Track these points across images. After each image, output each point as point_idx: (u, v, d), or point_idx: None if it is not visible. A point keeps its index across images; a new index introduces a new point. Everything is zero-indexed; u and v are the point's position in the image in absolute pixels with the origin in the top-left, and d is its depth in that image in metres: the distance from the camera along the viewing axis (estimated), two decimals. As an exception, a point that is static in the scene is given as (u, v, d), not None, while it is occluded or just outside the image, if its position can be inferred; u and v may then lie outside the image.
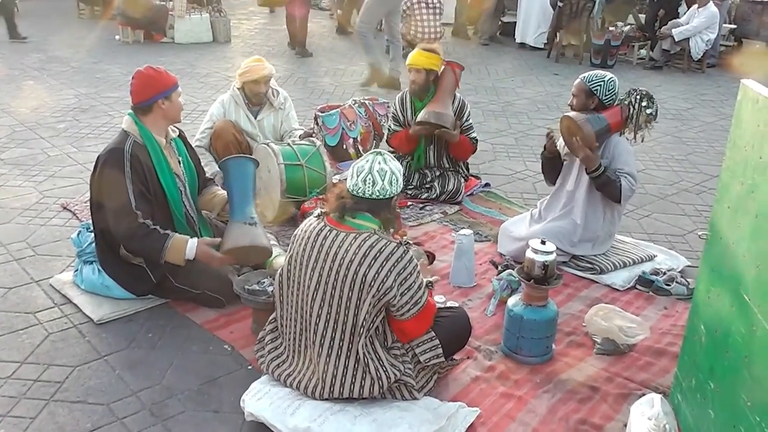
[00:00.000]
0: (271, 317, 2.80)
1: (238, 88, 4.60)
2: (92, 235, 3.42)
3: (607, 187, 3.67)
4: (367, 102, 5.60)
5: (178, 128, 3.44)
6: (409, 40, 10.11)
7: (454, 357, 2.90)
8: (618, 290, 3.67)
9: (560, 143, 3.83)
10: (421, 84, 4.61)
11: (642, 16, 11.58)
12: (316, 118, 5.38)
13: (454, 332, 2.78)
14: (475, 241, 3.83)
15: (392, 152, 4.77)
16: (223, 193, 3.50)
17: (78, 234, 3.53)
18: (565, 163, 3.93)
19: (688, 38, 9.88)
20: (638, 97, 3.66)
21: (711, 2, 9.75)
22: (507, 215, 4.51)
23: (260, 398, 2.57)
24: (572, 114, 3.65)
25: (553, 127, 3.91)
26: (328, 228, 2.55)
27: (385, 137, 5.15)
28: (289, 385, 2.63)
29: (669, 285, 3.63)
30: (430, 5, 9.94)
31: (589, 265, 3.80)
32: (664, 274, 3.71)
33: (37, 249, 3.87)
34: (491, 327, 3.27)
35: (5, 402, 2.65)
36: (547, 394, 2.80)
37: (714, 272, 2.39)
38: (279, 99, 4.70)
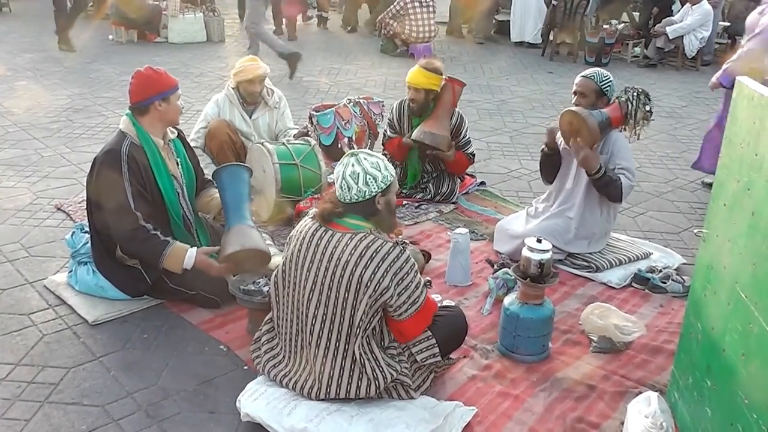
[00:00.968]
0: (267, 317, 2.79)
1: (233, 88, 4.58)
2: (86, 236, 3.40)
3: (608, 187, 3.66)
4: (362, 101, 5.59)
5: (177, 129, 3.42)
6: (404, 39, 10.13)
7: (451, 356, 2.89)
8: (614, 288, 3.67)
9: (559, 139, 3.81)
10: (420, 103, 4.50)
11: (636, 14, 11.61)
12: (310, 118, 5.36)
13: (450, 331, 2.77)
14: (471, 239, 3.82)
15: (388, 157, 4.75)
16: None
17: (72, 235, 3.51)
18: (563, 161, 3.92)
19: (682, 36, 9.90)
20: (635, 94, 3.65)
21: (704, 0, 9.77)
22: (503, 214, 4.51)
23: (256, 399, 2.56)
24: (575, 108, 3.64)
25: (554, 125, 3.88)
26: (323, 228, 2.54)
27: (381, 140, 5.14)
28: (286, 385, 2.62)
29: (665, 283, 3.64)
30: (424, 4, 9.96)
31: (585, 263, 3.80)
32: (660, 271, 3.72)
33: (31, 250, 3.85)
34: (487, 326, 3.27)
35: (-1, 404, 2.64)
36: (544, 393, 2.80)
37: (710, 270, 2.39)
38: (274, 98, 4.69)
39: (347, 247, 2.45)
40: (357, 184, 2.47)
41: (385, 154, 4.81)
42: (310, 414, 2.47)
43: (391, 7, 10.10)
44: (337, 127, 5.31)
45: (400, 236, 3.96)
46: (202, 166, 3.64)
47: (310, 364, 2.58)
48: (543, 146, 3.95)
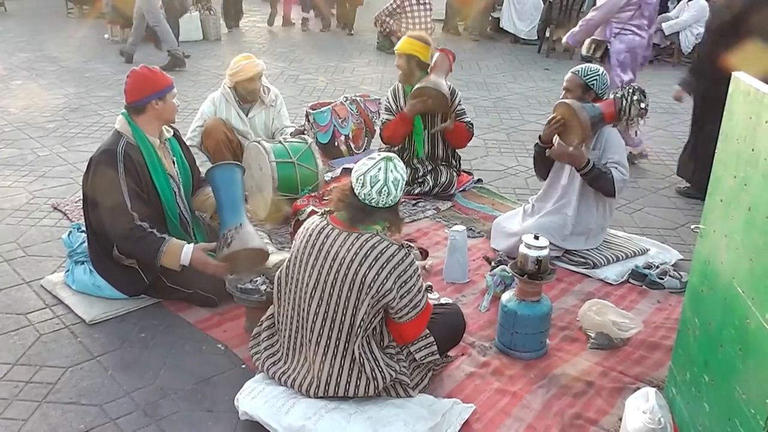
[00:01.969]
0: (268, 313, 2.78)
1: (230, 87, 4.57)
2: (83, 235, 3.39)
3: (599, 181, 3.67)
4: (358, 99, 5.59)
5: (173, 128, 3.41)
6: (400, 37, 10.11)
7: (449, 354, 2.89)
8: (611, 284, 3.67)
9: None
10: (404, 68, 4.66)
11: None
12: (307, 116, 5.36)
13: (448, 329, 2.78)
14: (468, 237, 3.83)
15: (387, 146, 4.76)
16: None
17: (69, 234, 3.51)
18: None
19: (678, 32, 9.90)
20: (630, 90, 3.67)
21: (700, -4, 9.78)
22: (500, 211, 4.51)
23: (254, 397, 2.56)
24: (569, 101, 3.65)
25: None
26: (330, 226, 2.53)
27: (378, 132, 5.13)
28: (284, 383, 2.61)
29: (662, 278, 3.64)
30: (421, 2, 9.96)
31: (582, 260, 3.81)
32: (657, 267, 3.72)
33: (28, 250, 3.85)
34: (485, 323, 3.27)
35: (-3, 404, 2.63)
36: (542, 390, 2.80)
37: (707, 265, 2.39)
38: (270, 96, 4.68)
39: (353, 247, 2.44)
40: (396, 189, 2.46)
41: (383, 146, 4.83)
42: (308, 412, 2.47)
43: (388, 4, 10.09)
44: (334, 125, 5.31)
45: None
46: (198, 164, 3.64)
47: (309, 362, 2.57)
48: (537, 140, 3.96)
